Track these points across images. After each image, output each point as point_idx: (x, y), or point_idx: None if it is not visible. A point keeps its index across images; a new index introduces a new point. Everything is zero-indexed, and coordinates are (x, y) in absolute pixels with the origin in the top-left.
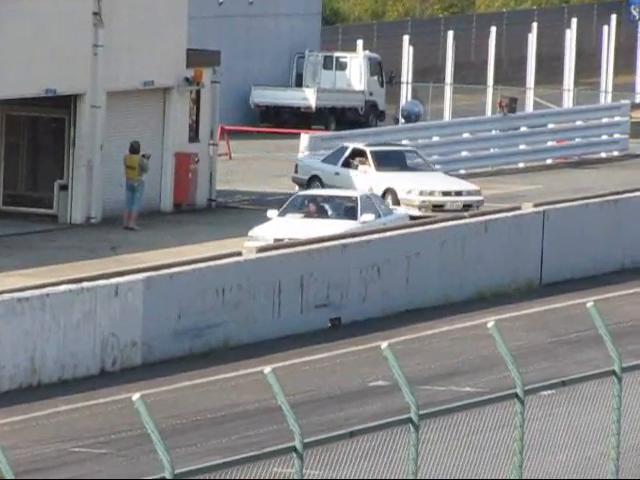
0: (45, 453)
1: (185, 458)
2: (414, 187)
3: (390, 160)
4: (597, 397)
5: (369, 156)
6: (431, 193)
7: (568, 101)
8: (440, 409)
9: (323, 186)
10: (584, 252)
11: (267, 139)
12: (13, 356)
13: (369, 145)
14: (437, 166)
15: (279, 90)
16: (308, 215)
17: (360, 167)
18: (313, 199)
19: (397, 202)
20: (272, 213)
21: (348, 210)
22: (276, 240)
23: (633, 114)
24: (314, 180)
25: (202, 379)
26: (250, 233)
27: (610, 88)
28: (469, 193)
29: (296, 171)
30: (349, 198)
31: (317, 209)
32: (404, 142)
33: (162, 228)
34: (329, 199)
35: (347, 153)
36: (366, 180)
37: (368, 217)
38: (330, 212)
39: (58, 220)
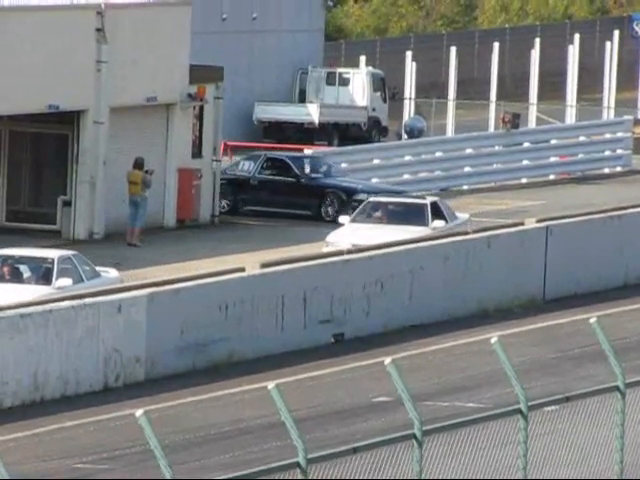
0: (49, 469)
1: (188, 474)
2: (331, 240)
3: (380, 211)
4: (601, 413)
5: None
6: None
7: (571, 117)
8: (444, 425)
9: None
10: (587, 268)
11: None
12: (16, 372)
13: (378, 196)
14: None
15: (282, 106)
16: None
17: (340, 218)
18: (5, 260)
19: None
20: None
21: (43, 273)
22: None
23: (636, 130)
24: None
25: (206, 395)
26: None
27: (613, 104)
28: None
29: None
30: (45, 259)
31: (10, 271)
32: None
33: (165, 244)
34: (24, 260)
35: None
36: None
37: (65, 282)
38: (24, 275)
39: (61, 236)
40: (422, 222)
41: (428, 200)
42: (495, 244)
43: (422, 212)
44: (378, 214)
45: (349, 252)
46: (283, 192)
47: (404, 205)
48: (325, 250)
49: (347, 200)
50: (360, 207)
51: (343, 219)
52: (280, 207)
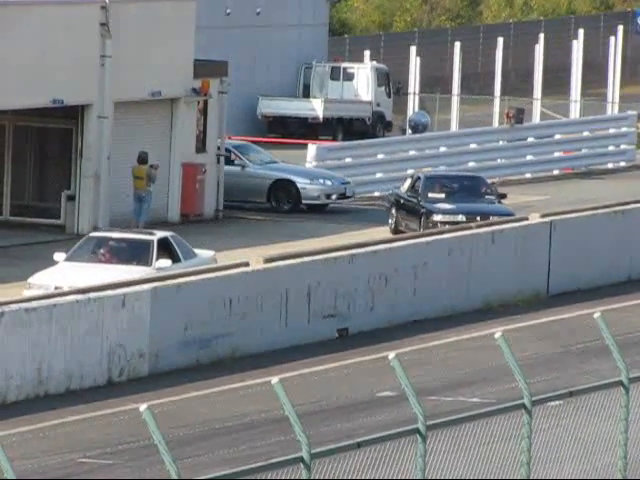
0: (52, 464)
1: (192, 469)
2: (33, 282)
3: (103, 248)
4: (604, 408)
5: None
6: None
7: (575, 112)
8: (447, 420)
9: None
10: (591, 262)
11: (274, 149)
12: (20, 367)
13: (101, 230)
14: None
15: (286, 101)
16: None
17: (55, 255)
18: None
19: None
20: None
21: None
22: None
23: None
24: None
25: (209, 389)
26: None
27: (617, 99)
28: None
29: None
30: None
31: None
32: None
33: None
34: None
35: None
36: None
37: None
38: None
39: (65, 230)
40: (145, 261)
41: (156, 237)
42: (499, 239)
43: (146, 250)
44: (101, 251)
45: (61, 294)
46: (408, 211)
47: (128, 242)
48: (26, 293)
49: (426, 222)
50: (79, 242)
51: (58, 256)
52: (406, 228)
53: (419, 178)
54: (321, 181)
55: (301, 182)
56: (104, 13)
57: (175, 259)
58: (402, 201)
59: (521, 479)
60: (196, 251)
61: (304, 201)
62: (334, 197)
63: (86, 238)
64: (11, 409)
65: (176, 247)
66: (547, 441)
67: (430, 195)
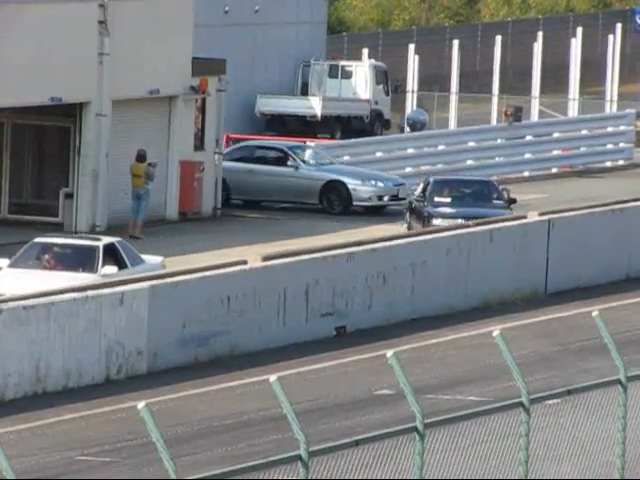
0: (50, 462)
1: (190, 467)
2: None
3: (47, 254)
4: (602, 406)
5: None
6: None
7: (573, 110)
8: (445, 418)
9: None
10: (589, 261)
11: None
12: (18, 364)
13: (46, 236)
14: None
15: (285, 98)
16: None
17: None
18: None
19: None
20: None
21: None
22: None
23: (638, 123)
24: None
25: (207, 387)
26: None
27: (615, 97)
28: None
29: None
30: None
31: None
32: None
33: (167, 236)
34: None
35: None
36: None
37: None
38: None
39: (63, 228)
40: (91, 268)
41: (101, 243)
42: (497, 237)
43: (92, 256)
44: (46, 257)
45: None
46: (417, 215)
47: (73, 248)
48: None
49: (427, 225)
50: (24, 248)
51: (1, 262)
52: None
53: (429, 182)
54: (373, 182)
55: (352, 183)
56: (102, 11)
57: (121, 265)
58: (413, 205)
59: (519, 478)
60: (143, 257)
61: (355, 202)
62: (386, 199)
63: (30, 244)
64: (9, 407)
65: (122, 253)
66: (545, 439)
67: (436, 199)
